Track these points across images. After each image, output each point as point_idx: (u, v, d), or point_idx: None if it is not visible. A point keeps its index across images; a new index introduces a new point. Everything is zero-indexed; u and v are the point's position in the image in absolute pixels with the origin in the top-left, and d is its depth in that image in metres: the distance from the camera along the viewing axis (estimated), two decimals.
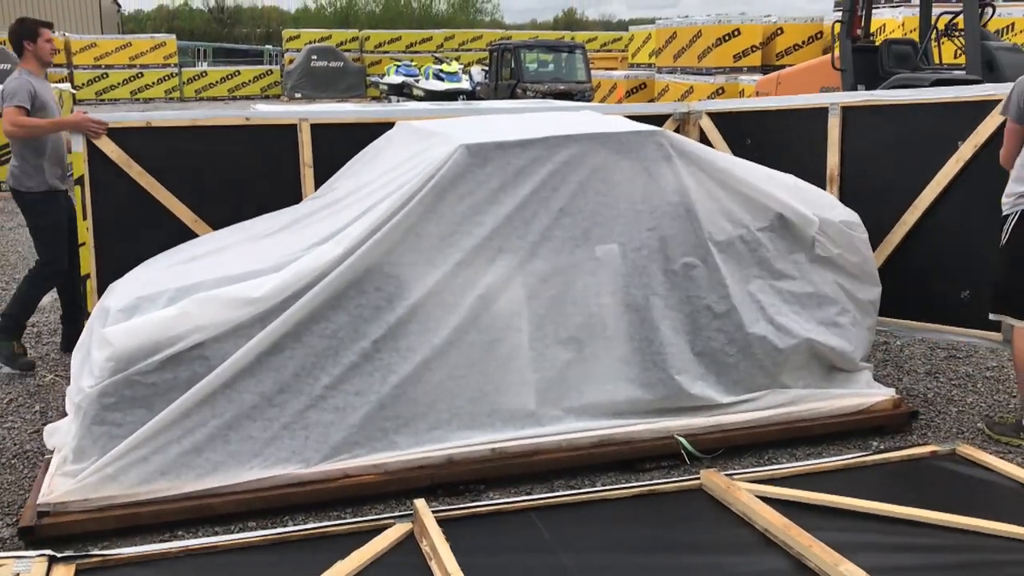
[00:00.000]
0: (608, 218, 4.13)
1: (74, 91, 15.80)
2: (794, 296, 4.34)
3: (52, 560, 3.26)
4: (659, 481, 3.92)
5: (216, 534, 3.56)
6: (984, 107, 4.63)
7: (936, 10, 8.26)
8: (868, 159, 5.16)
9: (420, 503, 3.57)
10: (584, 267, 4.10)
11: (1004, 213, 4.30)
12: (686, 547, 3.48)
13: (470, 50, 36.39)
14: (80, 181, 5.00)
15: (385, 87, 25.84)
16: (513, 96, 17.84)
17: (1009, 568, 3.25)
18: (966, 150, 4.69)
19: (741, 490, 3.71)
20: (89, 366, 3.76)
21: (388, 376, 3.82)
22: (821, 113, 5.31)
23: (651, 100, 21.66)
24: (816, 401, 4.35)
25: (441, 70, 22.66)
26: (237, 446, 3.67)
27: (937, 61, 8.55)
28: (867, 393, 4.45)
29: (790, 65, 14.18)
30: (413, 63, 26.45)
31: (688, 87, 21.16)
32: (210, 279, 3.97)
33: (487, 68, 24.19)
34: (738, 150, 5.58)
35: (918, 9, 8.71)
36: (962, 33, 7.69)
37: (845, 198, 5.00)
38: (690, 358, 4.21)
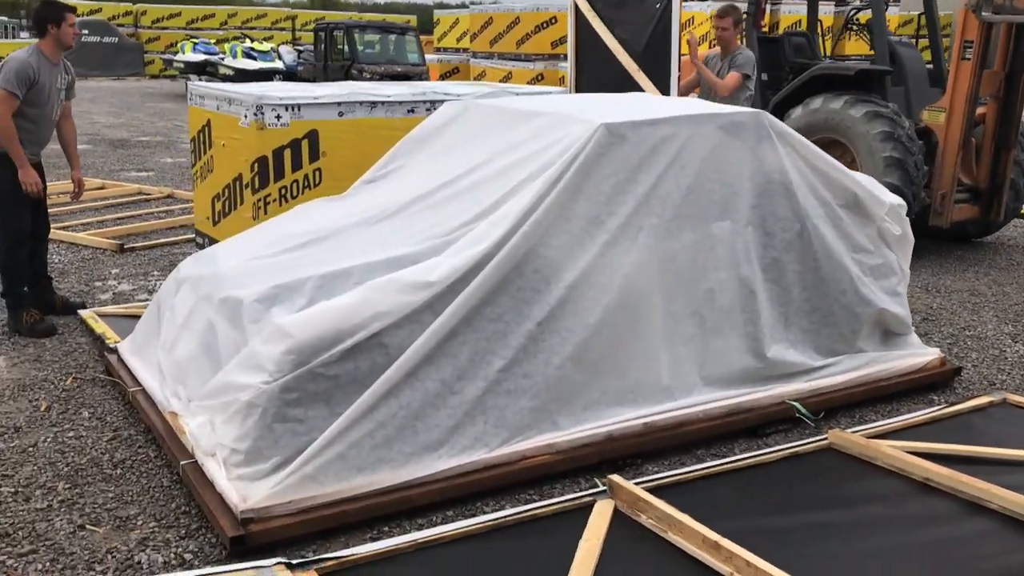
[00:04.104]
0: (723, 195, 4.31)
1: None
2: (869, 268, 4.71)
3: (289, 567, 3.05)
4: (795, 443, 4.16)
5: (420, 527, 3.43)
6: None
7: (825, 8, 9.04)
8: None
9: (618, 478, 3.62)
10: (704, 244, 4.25)
11: None
12: (847, 501, 3.74)
13: (254, 28, 34.98)
14: None
15: (181, 65, 24.29)
16: (348, 77, 17.43)
17: None
18: None
19: (882, 445, 4.03)
20: (253, 360, 3.48)
21: (551, 358, 3.81)
22: None
23: None
24: (886, 363, 4.75)
25: (252, 48, 21.67)
26: (425, 436, 3.54)
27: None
28: (920, 353, 4.92)
29: None
30: (213, 41, 25.07)
31: (507, 72, 21.55)
32: (358, 264, 3.80)
33: (299, 48, 23.48)
34: None
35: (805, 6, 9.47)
36: (863, 28, 8.47)
37: None
38: (785, 327, 4.47)
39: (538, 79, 20.18)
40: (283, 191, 6.42)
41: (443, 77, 22.70)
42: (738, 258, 4.34)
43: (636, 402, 4.07)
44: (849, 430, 4.27)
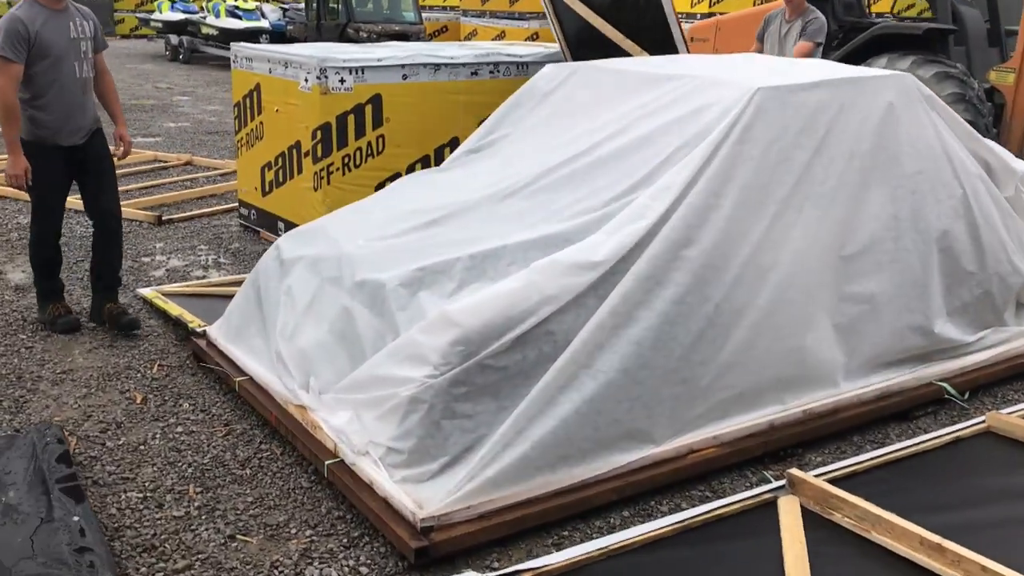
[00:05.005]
0: (883, 162, 4.03)
1: None
2: (1013, 235, 4.46)
3: None
4: (954, 428, 3.93)
5: (599, 529, 3.16)
6: None
7: None
8: None
9: (798, 472, 3.37)
10: (867, 213, 3.97)
11: None
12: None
13: None
14: None
15: (159, 24, 23.39)
16: (344, 37, 16.86)
17: None
18: None
19: None
20: (413, 350, 3.17)
21: (726, 343, 3.53)
22: None
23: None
24: None
25: (236, 7, 20.90)
26: (604, 431, 3.26)
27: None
28: None
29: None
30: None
31: (500, 31, 21.06)
32: (510, 244, 3.49)
33: (284, 6, 22.77)
34: None
35: None
36: None
37: None
38: (943, 301, 4.21)
39: (533, 38, 19.70)
40: (346, 160, 6.05)
41: (432, 36, 22.12)
42: (903, 228, 4.06)
43: (796, 387, 3.80)
44: (1004, 411, 4.05)
